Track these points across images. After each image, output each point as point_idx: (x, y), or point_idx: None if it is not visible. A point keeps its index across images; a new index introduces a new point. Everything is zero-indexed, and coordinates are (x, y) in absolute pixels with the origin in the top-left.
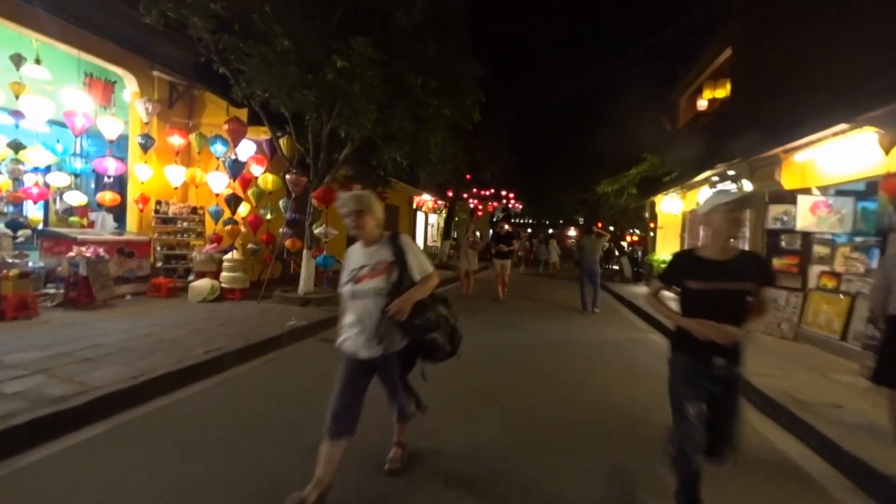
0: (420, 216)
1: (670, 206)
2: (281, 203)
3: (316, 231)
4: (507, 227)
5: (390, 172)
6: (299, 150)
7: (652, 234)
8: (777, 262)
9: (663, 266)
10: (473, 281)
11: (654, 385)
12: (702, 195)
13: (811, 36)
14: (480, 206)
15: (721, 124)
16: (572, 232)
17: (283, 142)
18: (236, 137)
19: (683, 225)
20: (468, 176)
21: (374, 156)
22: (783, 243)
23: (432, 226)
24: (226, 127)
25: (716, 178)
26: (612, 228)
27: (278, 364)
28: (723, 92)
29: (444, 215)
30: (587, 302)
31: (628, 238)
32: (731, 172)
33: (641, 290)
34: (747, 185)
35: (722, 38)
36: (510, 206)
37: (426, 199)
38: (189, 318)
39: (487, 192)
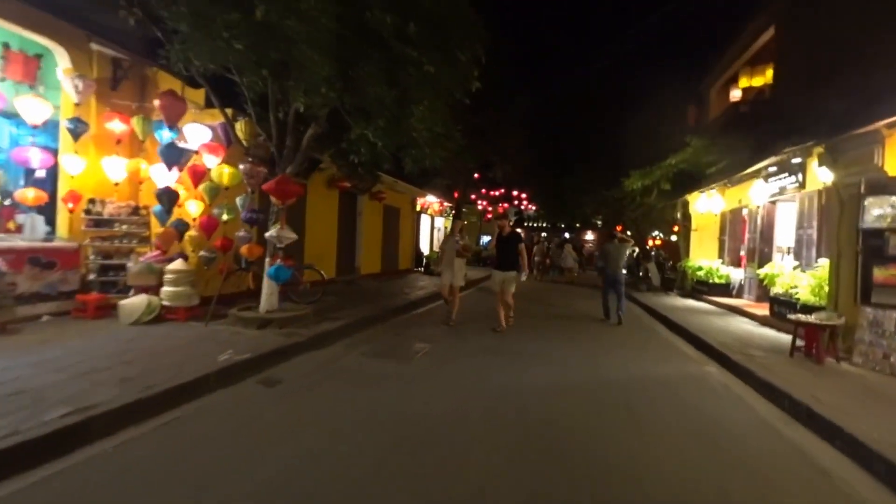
0: (425, 219)
1: (708, 205)
2: (238, 200)
3: (267, 234)
4: (508, 225)
5: (365, 159)
6: (260, 135)
7: (677, 237)
8: (881, 273)
9: (699, 274)
10: (458, 301)
11: (748, 468)
12: (754, 190)
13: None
14: (490, 208)
15: (762, 113)
16: (590, 235)
17: (240, 125)
18: (172, 115)
19: (723, 226)
20: (477, 175)
21: (344, 137)
22: (889, 247)
23: (439, 230)
24: (157, 103)
25: (773, 169)
26: (629, 232)
27: (182, 427)
28: (761, 79)
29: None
30: (610, 311)
31: (650, 242)
32: (795, 160)
33: (675, 301)
34: (823, 175)
35: (761, 18)
36: (523, 207)
37: (431, 200)
38: (97, 350)
39: (498, 193)
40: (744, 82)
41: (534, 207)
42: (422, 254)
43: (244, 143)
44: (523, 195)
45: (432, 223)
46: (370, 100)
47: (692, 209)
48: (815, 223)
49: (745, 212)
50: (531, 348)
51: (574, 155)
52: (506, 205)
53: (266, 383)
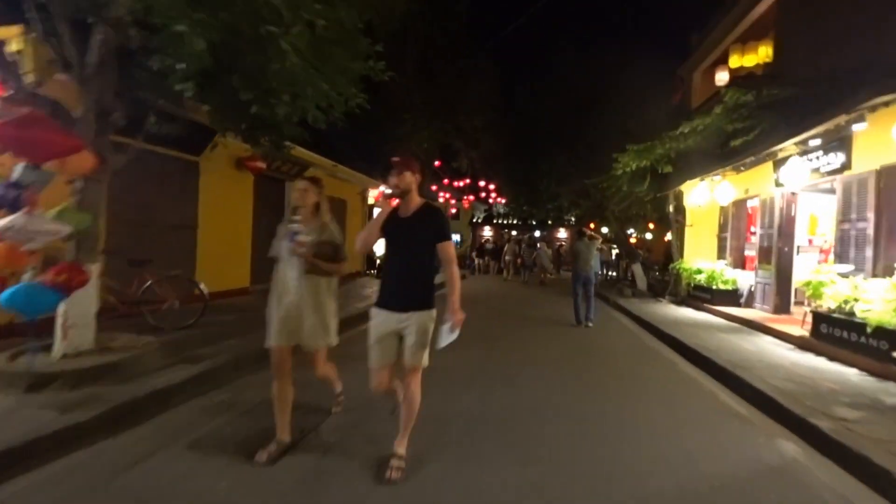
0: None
1: (710, 195)
2: (17, 170)
3: (2, 222)
4: (416, 190)
5: (192, 90)
6: (54, 61)
7: (652, 234)
8: None
9: (699, 278)
10: (333, 370)
11: None
12: (784, 173)
13: None
14: (454, 201)
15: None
16: (563, 233)
17: (18, 45)
18: None
19: (723, 222)
20: (438, 163)
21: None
22: None
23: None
24: None
25: (815, 143)
26: (605, 229)
27: None
28: (754, 58)
29: None
30: (581, 315)
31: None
32: (858, 126)
33: (671, 311)
34: None
35: None
36: (492, 200)
37: (387, 192)
38: None
39: (463, 184)
40: (735, 61)
41: (503, 200)
42: (374, 254)
43: (29, 75)
44: (491, 186)
45: None
46: None
47: (686, 201)
48: (869, 214)
49: (751, 203)
50: (488, 412)
51: (549, 140)
52: (471, 197)
53: None
